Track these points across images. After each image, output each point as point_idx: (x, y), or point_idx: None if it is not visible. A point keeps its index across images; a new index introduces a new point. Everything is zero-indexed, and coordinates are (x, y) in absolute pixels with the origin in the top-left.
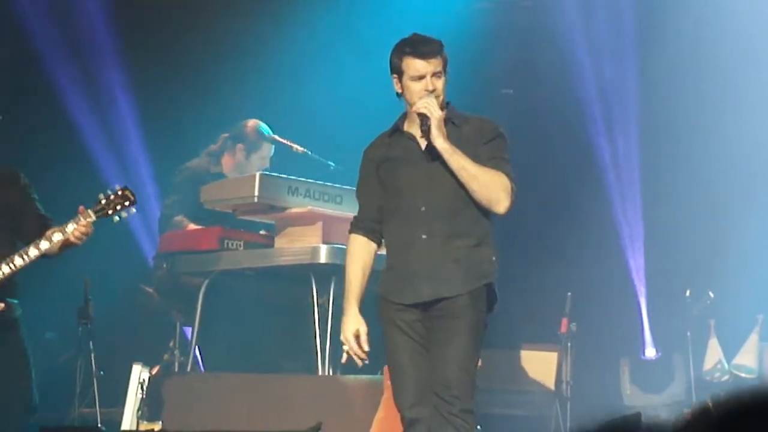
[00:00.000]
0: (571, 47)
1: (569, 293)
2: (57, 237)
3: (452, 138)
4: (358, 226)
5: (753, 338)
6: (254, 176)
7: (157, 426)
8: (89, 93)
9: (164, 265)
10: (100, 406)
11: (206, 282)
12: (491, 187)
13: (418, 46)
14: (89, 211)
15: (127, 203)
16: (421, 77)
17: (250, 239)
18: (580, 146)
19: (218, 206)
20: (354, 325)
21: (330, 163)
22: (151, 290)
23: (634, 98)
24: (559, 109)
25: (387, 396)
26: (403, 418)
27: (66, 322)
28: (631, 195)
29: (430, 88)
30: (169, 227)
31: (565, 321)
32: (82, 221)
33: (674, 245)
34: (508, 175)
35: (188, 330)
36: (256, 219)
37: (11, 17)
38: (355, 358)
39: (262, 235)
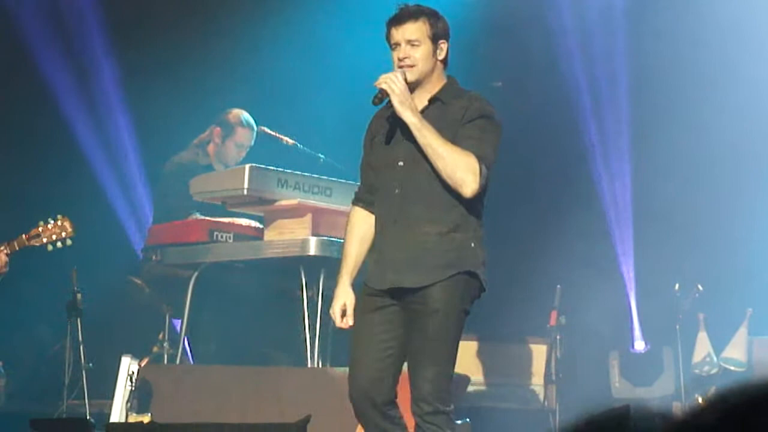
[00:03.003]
0: (562, 39)
1: (558, 286)
2: None
3: (434, 116)
4: (358, 198)
5: (742, 332)
6: (243, 168)
7: (146, 418)
8: (79, 86)
9: (154, 257)
10: (89, 399)
11: (196, 274)
12: (456, 168)
13: (396, 12)
14: (23, 236)
15: (63, 234)
16: (397, 44)
17: (240, 231)
18: (570, 138)
19: (207, 198)
20: (342, 299)
21: (320, 155)
22: (140, 282)
23: (625, 90)
24: (549, 101)
25: None
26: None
27: (55, 314)
28: (621, 188)
29: (401, 55)
30: None
31: (554, 314)
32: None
33: (664, 239)
34: (479, 156)
35: (177, 322)
36: (246, 211)
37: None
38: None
39: (252, 227)
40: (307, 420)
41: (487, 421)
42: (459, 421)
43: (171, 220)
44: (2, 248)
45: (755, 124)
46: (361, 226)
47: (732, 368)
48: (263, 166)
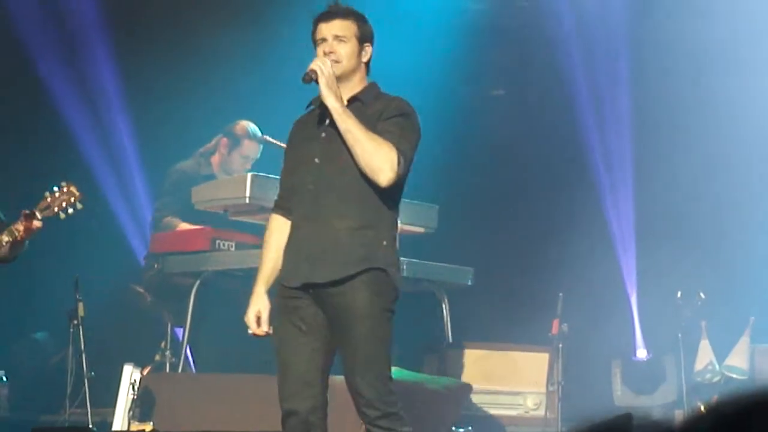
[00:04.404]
0: (564, 47)
1: (560, 294)
2: (6, 238)
3: (353, 115)
4: (277, 205)
5: (744, 340)
6: (245, 177)
7: (148, 426)
8: (81, 92)
9: (155, 266)
10: (91, 407)
11: (197, 282)
12: (374, 156)
13: (326, 10)
14: (35, 211)
15: (72, 199)
16: (324, 39)
17: (242, 240)
18: (572, 147)
19: (209, 207)
20: (256, 305)
21: None
22: (142, 290)
23: (627, 98)
24: (551, 109)
25: None
26: (282, 410)
27: (57, 322)
28: (623, 196)
29: (327, 50)
30: (159, 229)
31: (556, 322)
32: (27, 224)
33: (665, 246)
34: (398, 149)
35: (179, 330)
36: (248, 220)
37: (1, 14)
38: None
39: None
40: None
41: (489, 428)
42: (461, 429)
43: (158, 225)
44: (19, 226)
45: (757, 134)
46: (279, 233)
47: (734, 376)
48: (265, 174)
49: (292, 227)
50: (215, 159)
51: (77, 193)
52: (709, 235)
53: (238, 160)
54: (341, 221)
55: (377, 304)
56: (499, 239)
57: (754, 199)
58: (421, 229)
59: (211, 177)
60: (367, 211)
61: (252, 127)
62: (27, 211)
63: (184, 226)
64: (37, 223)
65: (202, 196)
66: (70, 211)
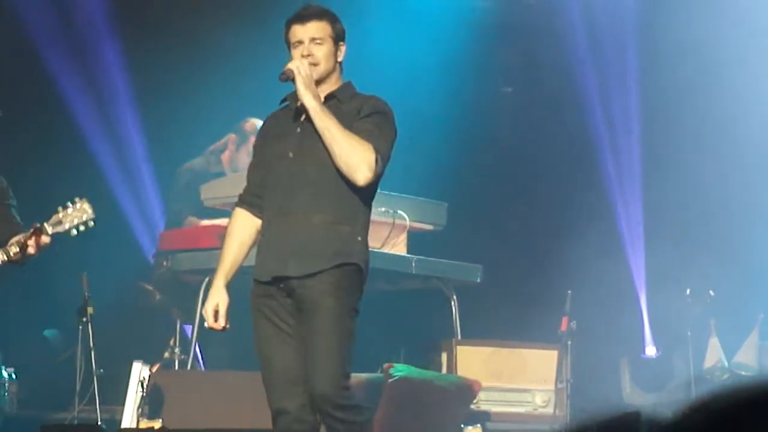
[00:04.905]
0: (573, 45)
1: (569, 291)
2: (14, 249)
3: (331, 113)
4: (241, 200)
5: (753, 337)
6: None
7: (158, 424)
8: (89, 90)
9: (165, 263)
10: (100, 405)
11: (206, 280)
12: (352, 154)
13: (299, 12)
14: (46, 225)
15: (84, 217)
16: (300, 42)
17: None
18: (581, 144)
19: (217, 204)
20: (215, 299)
21: None
22: (151, 288)
23: (636, 96)
24: (560, 107)
25: (386, 396)
26: (271, 410)
27: (66, 320)
28: (632, 193)
29: (305, 53)
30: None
31: (565, 319)
32: (36, 239)
33: (675, 244)
34: (376, 149)
35: (188, 328)
36: None
37: (9, 13)
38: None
39: None
40: (317, 426)
41: (498, 426)
42: (470, 427)
43: (179, 226)
44: (28, 236)
45: (766, 132)
46: (242, 228)
47: (743, 373)
48: None
49: (265, 223)
50: (225, 156)
51: (90, 211)
52: (718, 233)
53: (246, 156)
54: (317, 216)
55: (343, 301)
56: (508, 236)
57: (762, 196)
58: (430, 227)
59: (221, 175)
60: (343, 206)
61: (260, 124)
62: (38, 225)
63: (206, 224)
64: (45, 239)
65: (210, 193)
66: (82, 228)
